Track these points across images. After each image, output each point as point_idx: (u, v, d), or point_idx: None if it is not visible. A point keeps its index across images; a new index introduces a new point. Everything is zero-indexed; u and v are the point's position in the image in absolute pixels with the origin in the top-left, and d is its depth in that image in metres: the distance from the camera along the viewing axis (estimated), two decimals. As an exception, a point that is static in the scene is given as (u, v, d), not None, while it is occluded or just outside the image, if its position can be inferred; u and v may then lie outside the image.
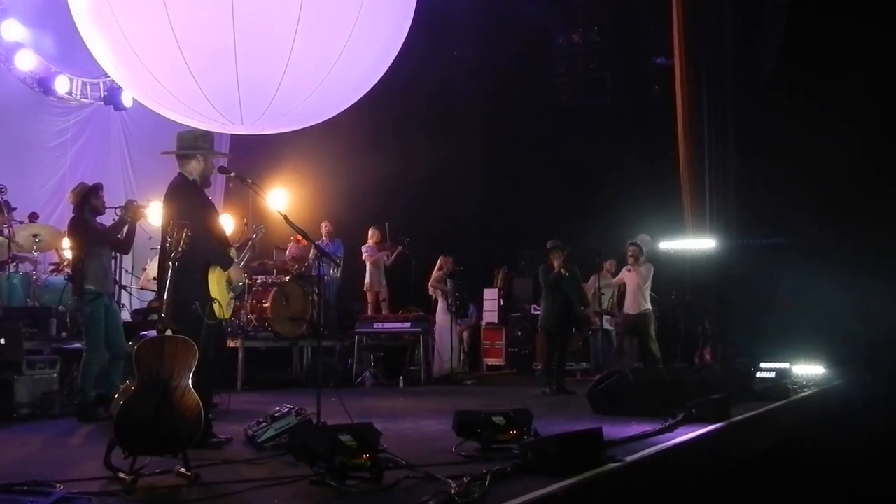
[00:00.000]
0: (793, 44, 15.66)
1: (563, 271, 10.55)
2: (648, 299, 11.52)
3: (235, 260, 6.08)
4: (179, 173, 6.01)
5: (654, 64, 17.87)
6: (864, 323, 14.54)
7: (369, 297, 13.78)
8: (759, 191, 15.13)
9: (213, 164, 6.14)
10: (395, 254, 13.65)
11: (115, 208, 8.03)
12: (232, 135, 10.48)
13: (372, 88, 9.49)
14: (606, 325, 12.90)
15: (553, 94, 19.04)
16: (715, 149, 15.07)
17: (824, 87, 15.11)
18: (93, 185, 7.90)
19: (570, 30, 19.09)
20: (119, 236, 7.84)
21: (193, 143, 6.05)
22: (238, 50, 7.67)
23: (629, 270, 11.54)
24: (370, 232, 13.81)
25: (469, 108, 18.12)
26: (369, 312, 13.30)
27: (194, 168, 5.98)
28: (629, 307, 11.57)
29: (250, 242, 7.59)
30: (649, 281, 11.54)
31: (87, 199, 7.68)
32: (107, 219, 8.12)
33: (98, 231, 7.74)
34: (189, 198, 5.86)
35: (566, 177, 16.97)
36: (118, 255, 8.82)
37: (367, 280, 13.79)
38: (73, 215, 7.75)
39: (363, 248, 13.77)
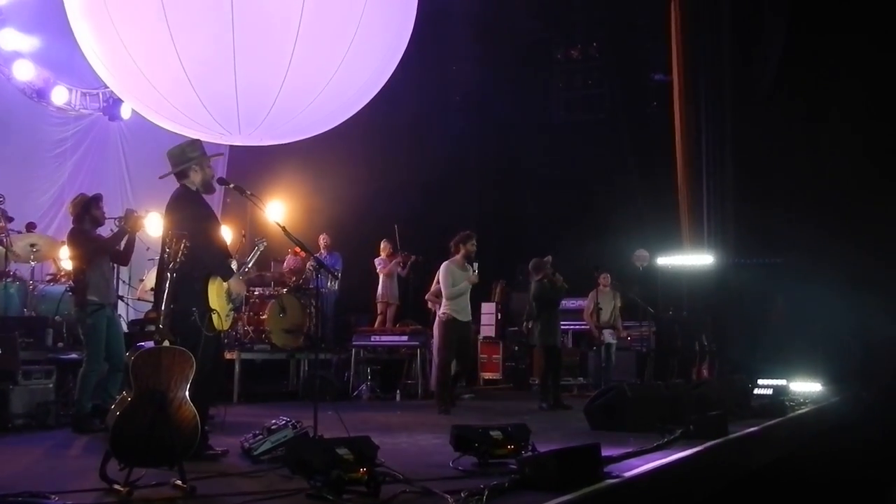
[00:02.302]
0: (790, 60, 15.73)
1: (564, 284, 10.68)
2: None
3: (235, 272, 6.05)
4: (181, 184, 5.99)
5: (652, 80, 17.94)
6: (860, 340, 14.56)
7: (380, 307, 13.78)
8: (756, 206, 15.16)
9: (211, 168, 6.12)
10: (409, 263, 13.67)
11: (115, 219, 8.02)
12: (230, 146, 10.47)
13: (370, 102, 9.50)
14: (609, 339, 12.88)
15: (551, 109, 19.10)
16: (713, 164, 15.13)
17: (822, 104, 15.17)
18: (93, 195, 7.89)
19: (568, 45, 19.17)
20: (118, 247, 7.82)
21: (184, 156, 5.99)
22: (237, 59, 7.67)
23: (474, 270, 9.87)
24: (382, 244, 13.83)
25: (467, 122, 18.15)
26: (378, 323, 13.35)
27: (194, 179, 5.96)
28: (467, 312, 9.87)
29: (250, 260, 7.59)
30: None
31: (87, 209, 7.67)
32: (105, 230, 8.11)
33: (98, 242, 7.72)
34: (190, 208, 5.84)
35: (564, 191, 17.01)
36: (116, 265, 8.79)
37: (379, 290, 13.80)
38: (72, 226, 7.73)
39: (376, 261, 13.81)
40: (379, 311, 13.77)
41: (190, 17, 7.66)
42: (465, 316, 9.77)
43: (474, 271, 9.77)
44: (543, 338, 10.57)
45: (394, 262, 13.73)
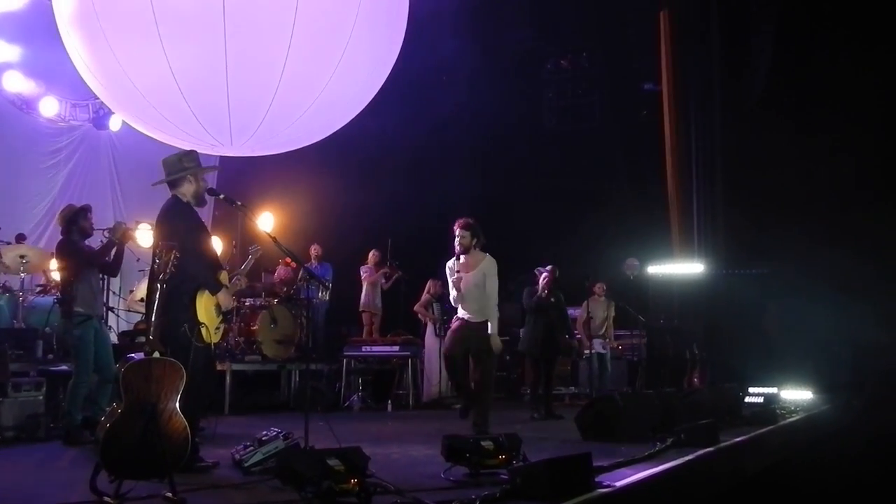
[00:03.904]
0: (780, 69, 15.82)
1: (549, 296, 10.64)
2: None
3: (226, 284, 6.03)
4: (173, 195, 5.98)
5: (642, 89, 17.99)
6: (850, 348, 14.60)
7: (365, 318, 13.78)
8: (745, 214, 15.22)
9: (204, 181, 6.10)
10: (393, 278, 13.69)
11: (103, 230, 8.01)
12: (220, 157, 10.48)
13: (361, 112, 9.51)
14: (599, 349, 12.87)
15: (542, 119, 19.13)
16: (702, 172, 15.20)
17: (812, 113, 15.25)
18: (80, 206, 7.90)
19: (558, 55, 19.21)
20: (107, 259, 7.81)
21: (179, 165, 5.98)
22: (229, 70, 7.68)
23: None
24: (371, 253, 13.84)
25: (458, 132, 18.17)
26: (364, 333, 13.33)
27: (187, 190, 5.95)
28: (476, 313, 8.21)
29: (245, 267, 7.57)
30: None
31: (75, 220, 7.67)
32: (94, 241, 8.10)
33: (86, 253, 7.71)
34: (181, 220, 5.83)
35: (554, 201, 17.02)
36: (105, 276, 8.79)
37: (363, 300, 13.79)
38: (61, 237, 7.73)
39: (362, 269, 13.81)
40: (364, 322, 13.77)
41: (182, 28, 7.66)
42: (475, 317, 8.13)
43: (458, 272, 8.23)
44: (524, 344, 10.83)
45: (379, 272, 13.73)
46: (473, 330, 8.02)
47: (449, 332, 8.45)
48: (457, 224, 8.21)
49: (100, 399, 7.37)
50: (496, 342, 8.05)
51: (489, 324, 8.03)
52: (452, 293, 8.21)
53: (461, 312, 8.22)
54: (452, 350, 8.10)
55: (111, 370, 7.29)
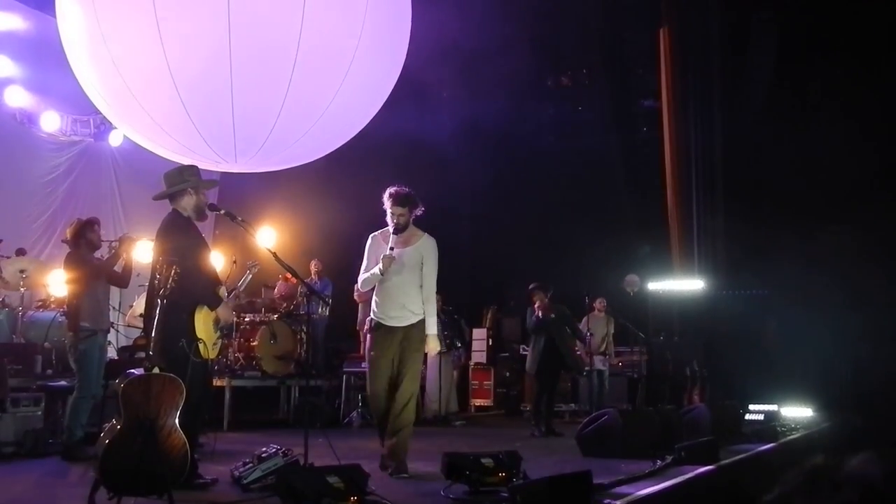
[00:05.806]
0: (779, 85, 15.87)
1: (549, 314, 10.50)
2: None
3: (224, 299, 6.03)
4: (173, 209, 5.99)
5: (641, 106, 18.04)
6: (851, 366, 14.59)
7: (362, 336, 13.74)
8: (746, 231, 15.22)
9: (205, 195, 6.12)
10: None
11: (111, 242, 8.05)
12: (222, 172, 10.48)
13: (363, 128, 9.54)
14: (599, 366, 12.85)
15: (541, 136, 19.17)
16: (703, 189, 15.22)
17: (813, 129, 15.28)
18: (88, 219, 7.94)
19: (558, 72, 19.28)
20: (116, 270, 7.83)
21: (180, 178, 6.00)
22: (234, 87, 7.70)
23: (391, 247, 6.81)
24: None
25: (458, 148, 18.23)
26: (363, 350, 13.28)
27: (187, 203, 5.96)
28: (403, 315, 6.63)
29: (242, 284, 7.57)
30: None
31: (83, 233, 7.70)
32: (102, 255, 8.14)
33: (94, 265, 7.73)
34: (181, 235, 5.82)
35: (555, 217, 17.06)
36: (110, 291, 8.78)
37: (360, 316, 13.75)
38: (69, 250, 7.76)
39: (357, 285, 13.75)
40: (362, 339, 13.72)
41: (187, 45, 7.70)
42: (398, 319, 6.51)
43: (391, 248, 6.51)
44: (528, 364, 10.71)
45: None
46: (395, 335, 6.45)
47: (368, 352, 6.64)
48: (388, 197, 6.69)
49: (80, 414, 7.36)
50: (434, 344, 6.56)
51: (427, 322, 6.47)
52: (374, 271, 6.48)
53: (376, 309, 6.56)
54: (381, 380, 6.48)
55: (98, 387, 7.33)
